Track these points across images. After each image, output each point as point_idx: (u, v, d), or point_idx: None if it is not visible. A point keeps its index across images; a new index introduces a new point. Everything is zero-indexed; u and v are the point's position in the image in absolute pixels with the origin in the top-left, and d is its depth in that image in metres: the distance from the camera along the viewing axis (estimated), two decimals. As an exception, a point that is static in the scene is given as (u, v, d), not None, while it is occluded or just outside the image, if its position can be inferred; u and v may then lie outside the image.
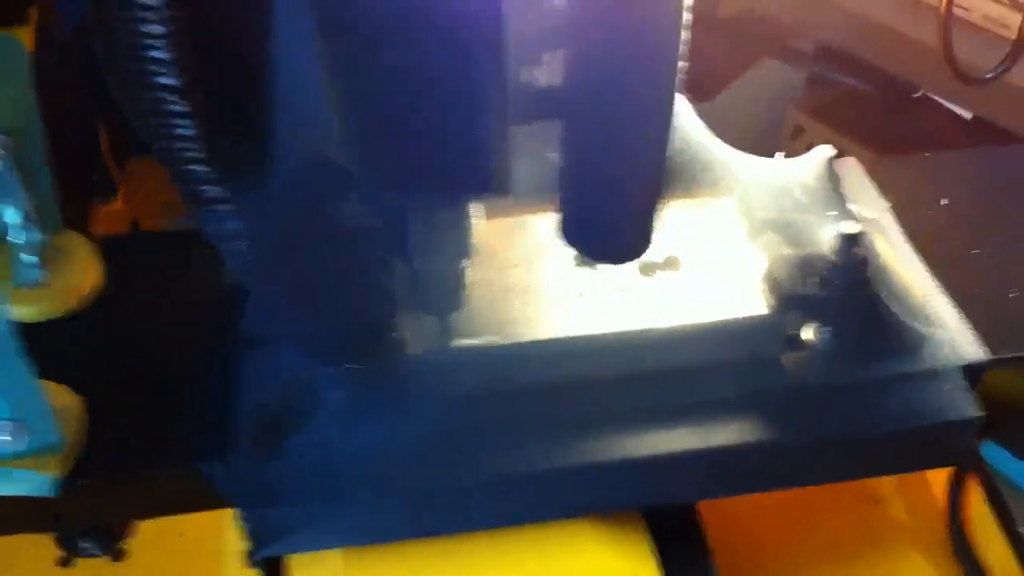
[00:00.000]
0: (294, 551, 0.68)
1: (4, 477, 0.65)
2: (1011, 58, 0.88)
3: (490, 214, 0.66)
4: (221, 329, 0.72)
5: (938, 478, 0.91)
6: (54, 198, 0.74)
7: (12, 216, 0.72)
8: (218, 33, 0.52)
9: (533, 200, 0.70)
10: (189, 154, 0.53)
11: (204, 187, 0.54)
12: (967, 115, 1.31)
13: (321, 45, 0.51)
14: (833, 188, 0.71)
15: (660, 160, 0.58)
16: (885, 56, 1.33)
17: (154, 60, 0.50)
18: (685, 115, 0.68)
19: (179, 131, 0.52)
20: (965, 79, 0.86)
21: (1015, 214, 0.79)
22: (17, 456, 0.66)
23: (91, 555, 0.89)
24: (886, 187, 0.80)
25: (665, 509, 0.71)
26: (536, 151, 0.65)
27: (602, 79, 0.54)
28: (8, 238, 0.72)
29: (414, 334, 0.65)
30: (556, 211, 0.62)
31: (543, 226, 0.73)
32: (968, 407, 0.67)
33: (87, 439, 0.68)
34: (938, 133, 1.34)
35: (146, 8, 0.49)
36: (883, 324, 0.69)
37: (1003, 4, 1.12)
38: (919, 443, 0.69)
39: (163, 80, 0.51)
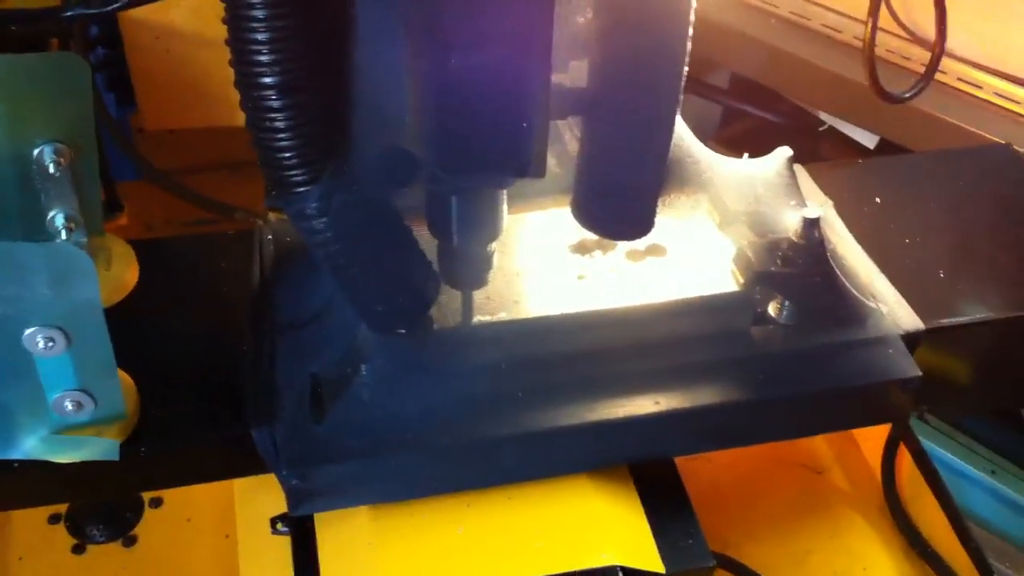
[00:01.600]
0: (330, 508, 0.75)
1: (74, 443, 0.71)
2: (925, 79, 1.02)
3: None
4: (254, 315, 0.80)
5: (873, 449, 1.03)
6: (99, 205, 0.81)
7: (61, 220, 0.79)
8: (314, 39, 0.61)
9: (531, 201, 0.81)
10: (282, 143, 0.61)
11: (292, 172, 0.62)
12: (870, 144, 1.45)
13: (403, 50, 0.60)
14: (791, 183, 0.83)
15: (665, 152, 0.69)
16: (793, 87, 1.46)
17: (258, 63, 0.59)
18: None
19: (275, 123, 0.60)
20: (888, 98, 0.98)
21: (936, 209, 0.91)
22: (81, 425, 0.72)
23: (102, 542, 0.95)
24: (825, 190, 0.92)
25: (648, 465, 0.81)
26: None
27: (623, 84, 0.65)
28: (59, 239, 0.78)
29: (449, 307, 0.74)
30: (572, 197, 0.72)
31: (544, 221, 0.83)
32: (909, 368, 0.79)
33: (138, 413, 0.75)
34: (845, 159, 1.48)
35: (254, 20, 0.58)
36: (837, 298, 0.80)
37: (903, 38, 1.27)
38: (869, 400, 0.80)
39: (265, 79, 0.59)
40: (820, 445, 1.06)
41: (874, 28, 1.00)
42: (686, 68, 0.67)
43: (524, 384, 0.75)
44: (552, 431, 0.75)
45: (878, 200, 0.91)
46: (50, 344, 0.67)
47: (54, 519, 0.96)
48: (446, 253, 0.73)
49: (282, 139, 0.62)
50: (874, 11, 1.01)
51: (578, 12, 0.64)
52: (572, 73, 0.67)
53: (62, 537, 0.94)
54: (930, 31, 1.11)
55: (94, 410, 0.71)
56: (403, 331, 0.72)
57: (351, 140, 0.65)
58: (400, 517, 0.77)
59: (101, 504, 0.96)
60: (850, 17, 1.34)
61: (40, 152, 0.75)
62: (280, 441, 0.73)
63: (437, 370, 0.75)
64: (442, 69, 0.63)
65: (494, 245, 0.74)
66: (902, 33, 1.25)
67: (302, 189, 0.63)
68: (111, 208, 1.08)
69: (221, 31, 1.08)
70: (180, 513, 0.97)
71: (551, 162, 0.80)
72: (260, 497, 0.88)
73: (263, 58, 0.60)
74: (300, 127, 0.61)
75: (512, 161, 0.66)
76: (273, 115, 0.61)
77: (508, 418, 0.74)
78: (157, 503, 0.97)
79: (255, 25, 0.59)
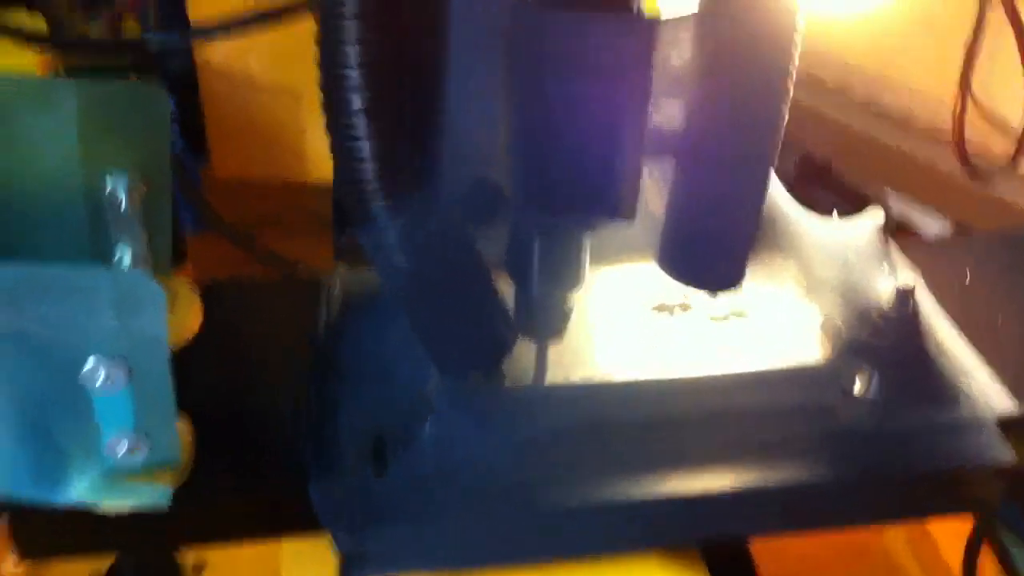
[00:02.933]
0: (385, 573, 0.71)
1: (124, 489, 0.68)
2: (1016, 159, 0.98)
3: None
4: (317, 364, 0.77)
5: (952, 546, 0.98)
6: (168, 246, 0.79)
7: (128, 257, 0.77)
8: (407, 63, 0.59)
9: (611, 257, 0.78)
10: (366, 169, 0.59)
11: (373, 201, 0.60)
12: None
13: (496, 79, 0.58)
14: (883, 249, 0.79)
15: (761, 198, 0.66)
16: (866, 169, 1.43)
17: (347, 85, 0.57)
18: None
19: (360, 150, 0.58)
20: (975, 175, 0.95)
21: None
22: (131, 470, 0.69)
23: (145, 601, 0.92)
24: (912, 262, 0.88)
25: (721, 546, 0.76)
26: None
27: (721, 126, 0.62)
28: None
29: (521, 363, 0.71)
30: (660, 242, 0.69)
31: (623, 277, 0.80)
32: (1004, 453, 0.74)
33: (193, 462, 0.72)
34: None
35: (347, 40, 0.56)
36: (928, 375, 0.76)
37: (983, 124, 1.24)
38: (960, 486, 0.75)
39: (353, 103, 0.57)
40: (896, 540, 1.01)
41: (964, 102, 0.97)
42: (786, 114, 0.64)
43: (595, 452, 0.72)
44: (623, 504, 0.71)
45: (967, 277, 0.87)
46: (110, 380, 0.65)
47: (92, 579, 0.92)
48: (524, 299, 0.70)
49: (366, 166, 0.59)
50: (965, 84, 0.99)
51: (674, 50, 0.61)
52: (666, 112, 0.64)
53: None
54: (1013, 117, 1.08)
55: (148, 455, 0.68)
56: (476, 373, 0.68)
57: (436, 172, 0.62)
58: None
59: (142, 568, 0.93)
60: (926, 101, 1.30)
61: (113, 186, 0.73)
62: (337, 497, 0.69)
63: (506, 431, 0.71)
64: (537, 100, 0.61)
65: (574, 296, 0.71)
66: (979, 121, 1.22)
67: (381, 218, 0.61)
68: (175, 257, 1.06)
69: (299, 81, 1.09)
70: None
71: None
72: (309, 567, 0.85)
73: (352, 80, 0.57)
74: (385, 154, 0.59)
75: (603, 201, 0.63)
76: (356, 139, 0.58)
77: (578, 487, 0.71)
78: (199, 570, 0.93)
79: (347, 45, 0.57)
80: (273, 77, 1.07)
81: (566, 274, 0.69)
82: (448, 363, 0.69)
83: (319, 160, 1.12)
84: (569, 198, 0.64)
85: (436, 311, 0.66)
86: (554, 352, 0.73)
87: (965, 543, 0.93)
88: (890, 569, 0.99)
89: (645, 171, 0.67)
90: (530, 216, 0.65)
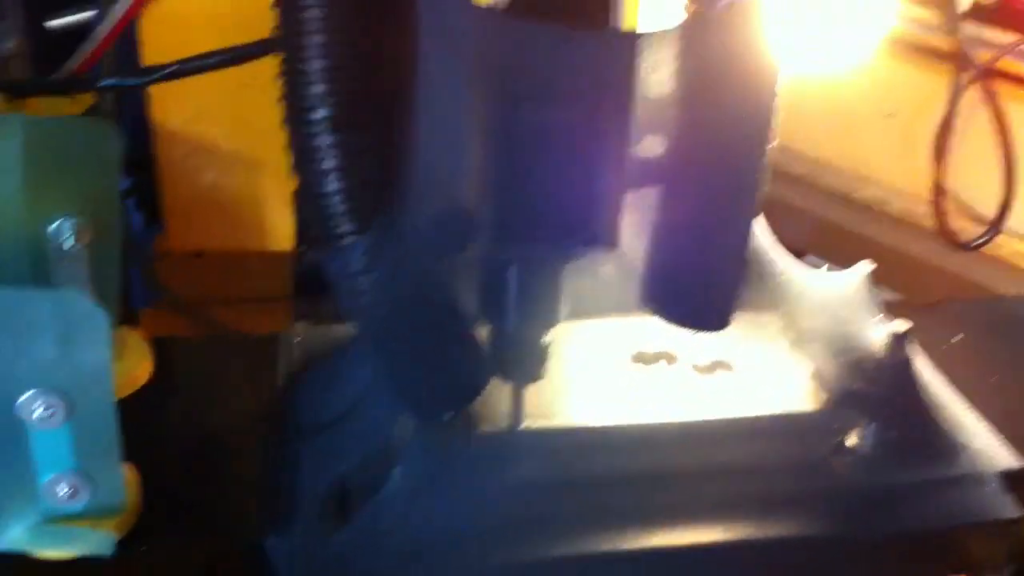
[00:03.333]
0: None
1: (64, 536, 0.62)
2: (993, 228, 0.97)
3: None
4: (275, 418, 0.72)
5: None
6: (117, 295, 0.74)
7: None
8: (372, 77, 0.55)
9: (589, 310, 0.74)
10: (329, 186, 0.55)
11: (337, 220, 0.56)
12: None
13: (469, 99, 0.55)
14: (873, 301, 0.76)
15: (746, 235, 0.62)
16: (840, 258, 1.42)
17: (308, 93, 0.54)
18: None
19: (323, 163, 0.54)
20: (959, 244, 0.94)
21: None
22: (74, 515, 0.63)
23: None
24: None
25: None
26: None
27: (704, 156, 0.59)
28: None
29: (495, 407, 0.66)
30: (641, 278, 0.65)
31: (602, 329, 0.76)
32: (1008, 508, 0.70)
33: (141, 510, 0.66)
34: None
35: (306, 47, 0.53)
36: (925, 427, 0.72)
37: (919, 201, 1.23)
38: (964, 543, 0.71)
39: (315, 113, 0.54)
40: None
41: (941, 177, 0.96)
42: (769, 149, 0.61)
43: (575, 504, 0.67)
44: (605, 559, 0.65)
45: (960, 337, 0.84)
46: (49, 412, 0.59)
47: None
48: (498, 336, 0.65)
49: (329, 181, 0.56)
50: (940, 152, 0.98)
51: (655, 69, 0.58)
52: (647, 137, 0.61)
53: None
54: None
55: (91, 497, 0.62)
56: (447, 416, 0.63)
57: (404, 194, 0.58)
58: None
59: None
60: (898, 191, 1.30)
61: (57, 226, 0.69)
62: (296, 553, 0.63)
63: (478, 481, 0.66)
64: (511, 122, 0.57)
65: (551, 335, 0.66)
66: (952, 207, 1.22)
67: (347, 240, 0.56)
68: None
69: (258, 151, 1.05)
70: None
71: (609, 270, 0.73)
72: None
73: (315, 89, 0.54)
74: (350, 170, 0.56)
75: (581, 229, 0.59)
76: (321, 153, 0.55)
77: (556, 541, 0.65)
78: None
79: (308, 52, 0.53)
80: (232, 146, 1.04)
81: (543, 308, 0.65)
82: (418, 404, 0.64)
83: (278, 232, 1.08)
84: (546, 225, 0.60)
85: (404, 347, 0.62)
86: (530, 397, 0.69)
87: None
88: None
89: (626, 203, 0.63)
90: (505, 245, 0.61)
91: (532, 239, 0.60)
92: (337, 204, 0.56)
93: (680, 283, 0.65)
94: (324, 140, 0.55)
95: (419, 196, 0.59)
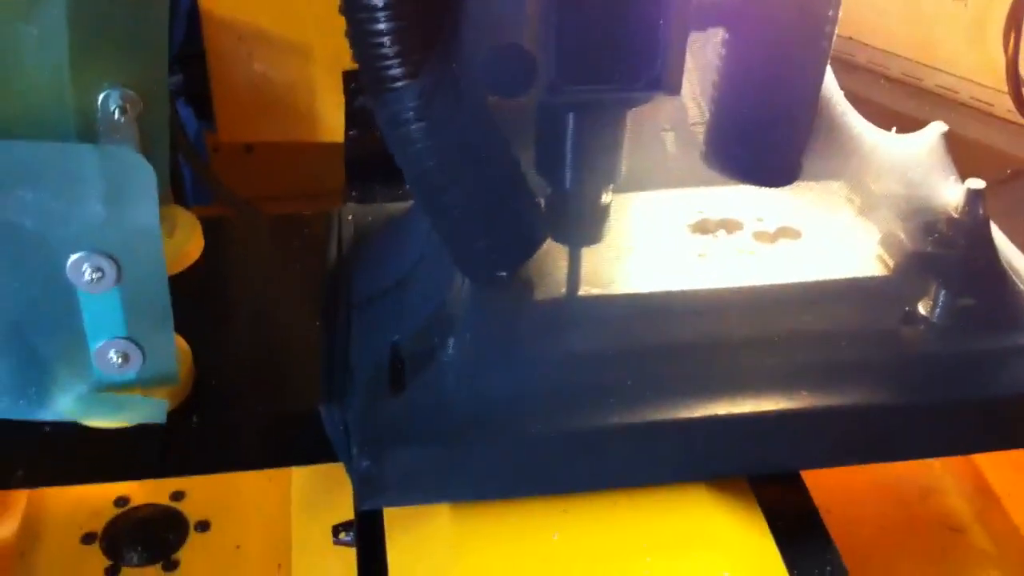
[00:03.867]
0: (404, 503, 0.64)
1: (115, 404, 0.62)
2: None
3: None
4: (330, 292, 0.71)
5: (1018, 506, 0.90)
6: (167, 172, 0.73)
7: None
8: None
9: (647, 182, 0.71)
10: (379, 26, 0.52)
11: (388, 63, 0.53)
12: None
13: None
14: (947, 163, 0.72)
15: (818, 83, 0.59)
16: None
17: None
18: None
19: (372, 10, 0.52)
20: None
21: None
22: (125, 385, 0.62)
23: (139, 565, 0.85)
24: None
25: (773, 480, 0.69)
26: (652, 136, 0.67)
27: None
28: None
29: (552, 272, 0.64)
30: (705, 132, 0.62)
31: (661, 200, 0.73)
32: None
33: (194, 385, 0.65)
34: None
35: None
36: (1002, 292, 0.68)
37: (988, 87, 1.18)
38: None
39: None
40: (957, 501, 0.93)
41: (1017, 40, 0.91)
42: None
43: (635, 371, 0.65)
44: (665, 425, 0.63)
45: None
46: (98, 275, 0.58)
47: (88, 539, 0.85)
48: (556, 194, 0.63)
49: (379, 21, 0.53)
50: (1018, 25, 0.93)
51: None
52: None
53: (96, 558, 0.84)
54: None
55: (142, 366, 0.62)
56: (503, 273, 0.61)
57: (459, 33, 0.56)
58: (485, 520, 0.65)
59: (141, 524, 0.86)
60: (964, 78, 1.25)
61: (106, 97, 0.67)
62: (352, 418, 0.62)
63: (537, 346, 0.64)
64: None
65: (609, 195, 0.64)
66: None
67: (399, 84, 0.54)
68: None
69: (310, 38, 1.03)
70: (229, 539, 0.86)
71: (668, 140, 0.71)
72: (321, 513, 0.78)
73: None
74: (401, 7, 0.53)
75: (644, 71, 0.57)
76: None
77: (614, 408, 0.63)
78: (204, 527, 0.86)
79: None
80: (282, 32, 1.02)
81: (603, 163, 0.62)
82: (472, 261, 0.62)
83: (329, 123, 1.06)
84: (608, 67, 0.57)
85: (456, 200, 0.59)
86: (589, 263, 0.67)
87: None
88: (953, 528, 0.91)
89: (689, 53, 0.60)
90: (565, 88, 0.58)
91: (593, 80, 0.58)
92: (387, 45, 0.54)
93: (745, 134, 0.62)
94: None
95: (475, 35, 0.56)
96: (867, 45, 1.29)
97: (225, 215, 1.08)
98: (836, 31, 0.59)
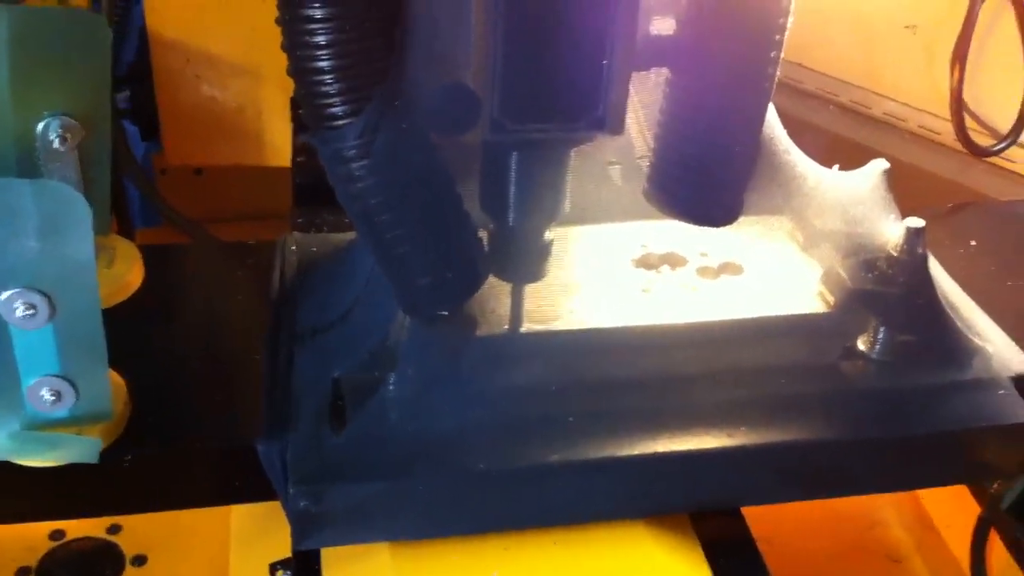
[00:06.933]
0: (342, 542, 0.64)
1: (48, 442, 0.61)
2: (1012, 135, 0.94)
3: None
4: (272, 324, 0.70)
5: (957, 537, 0.91)
6: (107, 200, 0.72)
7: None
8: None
9: (591, 215, 0.71)
10: (322, 63, 0.52)
11: (331, 100, 0.53)
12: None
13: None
14: (888, 200, 0.73)
15: (760, 124, 0.59)
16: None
17: None
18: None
19: (315, 39, 0.52)
20: (975, 151, 0.91)
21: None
22: (60, 423, 0.61)
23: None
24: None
25: (714, 517, 0.69)
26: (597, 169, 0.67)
27: (717, 28, 0.56)
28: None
29: (495, 308, 0.64)
30: (648, 171, 0.62)
31: (604, 234, 0.73)
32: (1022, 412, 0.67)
33: (129, 420, 0.64)
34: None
35: None
36: (940, 329, 0.69)
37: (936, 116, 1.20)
38: (973, 449, 0.68)
39: None
40: (898, 532, 0.94)
41: (961, 78, 0.93)
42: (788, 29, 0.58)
43: (576, 406, 0.65)
44: (606, 461, 0.63)
45: (973, 243, 0.81)
46: (31, 312, 0.57)
47: (22, 573, 0.83)
48: (499, 231, 0.63)
49: (322, 58, 0.53)
50: (961, 57, 0.94)
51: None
52: (656, 24, 0.58)
53: (35, 593, 0.82)
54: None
55: (75, 403, 0.61)
56: (444, 312, 0.61)
57: (403, 72, 0.55)
58: (425, 558, 0.65)
59: (76, 558, 0.84)
60: (912, 107, 1.26)
61: (46, 125, 0.66)
62: (290, 455, 0.61)
63: (479, 382, 0.64)
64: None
65: (552, 232, 0.64)
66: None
67: (341, 122, 0.54)
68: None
69: (260, 61, 1.02)
70: (166, 574, 0.85)
71: (614, 173, 0.71)
72: (259, 550, 0.77)
73: None
74: (344, 46, 0.53)
75: (587, 111, 0.57)
76: (314, 27, 0.52)
77: (556, 444, 0.63)
78: (141, 561, 0.84)
79: None
80: (231, 54, 1.01)
81: (546, 201, 0.62)
82: (413, 299, 0.61)
83: (279, 147, 1.05)
84: (552, 106, 0.58)
85: (399, 237, 0.59)
86: (532, 298, 0.66)
87: (972, 533, 0.86)
88: (892, 558, 0.91)
89: (632, 90, 0.60)
90: (507, 127, 0.58)
91: (536, 120, 0.58)
92: (329, 83, 0.54)
93: (687, 173, 0.62)
94: (316, 11, 0.52)
95: (419, 73, 0.56)
96: (816, 72, 1.30)
97: (173, 240, 1.07)
98: (778, 71, 0.59)
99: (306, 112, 0.55)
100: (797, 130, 1.31)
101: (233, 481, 0.64)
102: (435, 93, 0.56)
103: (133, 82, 1.10)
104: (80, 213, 0.55)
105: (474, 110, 0.56)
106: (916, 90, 1.24)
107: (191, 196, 1.08)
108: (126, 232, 1.08)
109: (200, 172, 1.09)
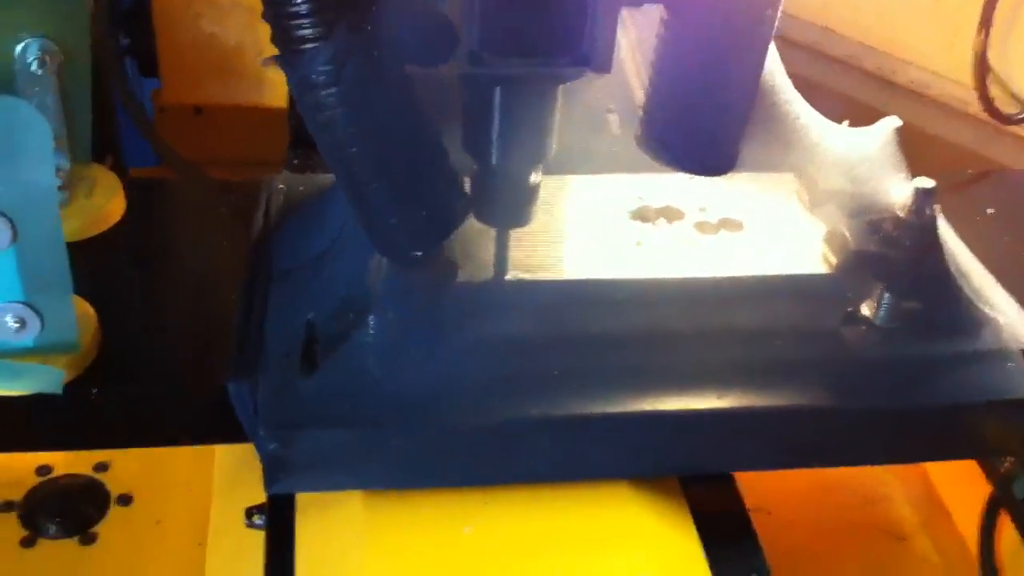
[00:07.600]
0: (314, 488, 0.61)
1: (10, 371, 0.58)
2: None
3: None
4: (252, 264, 0.68)
5: (966, 517, 0.88)
6: (88, 129, 0.70)
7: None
8: None
9: (588, 166, 0.69)
10: None
11: (299, 21, 0.50)
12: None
13: None
14: (899, 159, 0.69)
15: (758, 70, 0.56)
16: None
17: None
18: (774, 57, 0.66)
19: None
20: (1001, 118, 0.87)
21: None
22: (25, 352, 0.59)
23: (56, 537, 0.82)
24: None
25: (704, 481, 0.66)
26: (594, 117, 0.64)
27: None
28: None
29: (477, 254, 0.61)
30: (641, 118, 0.59)
31: (598, 185, 0.70)
32: (1031, 387, 0.64)
33: (99, 353, 0.62)
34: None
35: None
36: (947, 297, 0.66)
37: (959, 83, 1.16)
38: (981, 423, 0.66)
39: None
40: (903, 508, 0.91)
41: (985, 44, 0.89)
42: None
43: (561, 361, 0.62)
44: (590, 418, 0.61)
45: (990, 211, 0.78)
46: (-10, 236, 0.55)
47: (6, 507, 0.82)
48: (480, 168, 0.60)
49: None
50: (987, 22, 0.91)
51: None
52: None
53: (12, 527, 0.80)
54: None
55: (40, 332, 0.58)
56: (419, 253, 0.58)
57: None
58: (399, 509, 0.62)
59: (61, 495, 0.82)
60: (937, 74, 1.23)
61: (24, 47, 0.64)
62: (261, 397, 0.59)
63: (457, 331, 0.61)
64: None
65: (542, 178, 0.61)
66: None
67: (309, 45, 0.51)
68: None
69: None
70: (150, 514, 0.82)
71: (612, 122, 0.67)
72: (240, 493, 0.74)
73: None
74: None
75: (571, 47, 0.53)
76: None
77: (539, 399, 0.61)
78: (126, 500, 0.82)
79: None
80: (232, -8, 0.98)
81: (530, 140, 0.59)
82: (387, 240, 0.58)
83: (278, 87, 1.03)
84: (532, 40, 0.54)
85: (369, 173, 0.56)
86: (520, 247, 0.64)
87: (981, 514, 0.83)
88: (896, 536, 0.88)
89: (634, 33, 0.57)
90: (490, 59, 0.55)
91: (518, 53, 0.54)
92: (298, 3, 0.50)
93: (680, 120, 0.59)
94: None
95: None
96: (843, 36, 1.27)
97: (168, 178, 1.05)
98: (778, 16, 0.56)
99: (273, 34, 0.52)
100: (823, 96, 1.29)
101: (208, 421, 0.62)
102: (409, 20, 0.52)
103: (133, 18, 1.07)
104: (40, 134, 0.53)
105: (450, 40, 0.53)
106: (941, 59, 1.21)
107: (191, 137, 1.06)
108: (120, 171, 1.05)
109: (200, 111, 1.07)
